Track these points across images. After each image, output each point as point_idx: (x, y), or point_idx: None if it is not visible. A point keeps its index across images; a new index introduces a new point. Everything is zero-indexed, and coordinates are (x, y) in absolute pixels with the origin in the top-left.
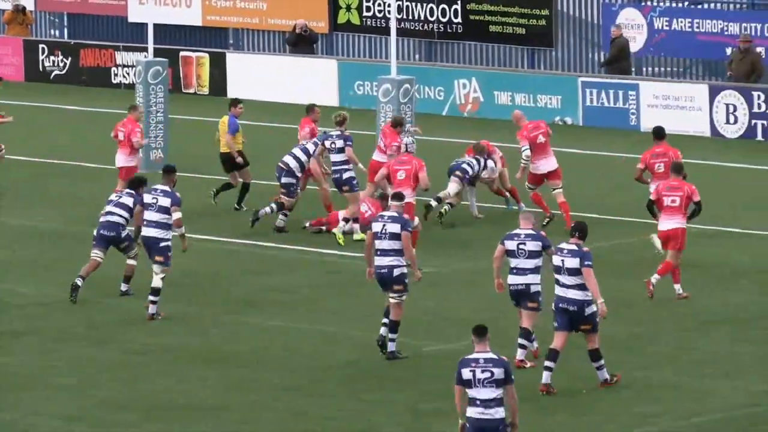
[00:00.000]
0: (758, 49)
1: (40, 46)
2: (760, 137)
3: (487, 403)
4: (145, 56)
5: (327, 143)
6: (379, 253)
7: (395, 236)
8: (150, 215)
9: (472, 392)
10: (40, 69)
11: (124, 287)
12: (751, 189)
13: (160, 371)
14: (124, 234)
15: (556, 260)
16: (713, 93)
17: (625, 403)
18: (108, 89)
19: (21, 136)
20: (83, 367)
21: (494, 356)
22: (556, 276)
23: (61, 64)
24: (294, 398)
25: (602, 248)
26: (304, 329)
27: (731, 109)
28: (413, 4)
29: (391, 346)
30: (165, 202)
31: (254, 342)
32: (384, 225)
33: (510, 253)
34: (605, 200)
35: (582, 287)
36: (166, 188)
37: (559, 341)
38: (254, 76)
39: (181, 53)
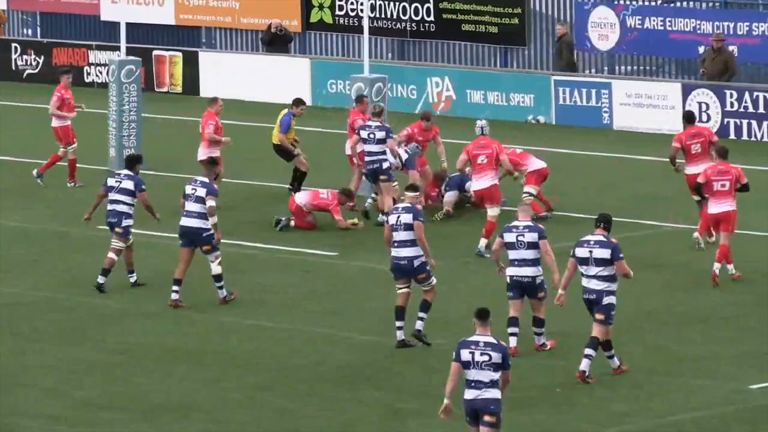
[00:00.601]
0: (731, 48)
1: (13, 45)
2: (732, 136)
3: (483, 385)
4: (118, 55)
5: (364, 133)
6: (396, 244)
7: (409, 227)
8: (190, 206)
9: (470, 374)
10: (13, 68)
11: (101, 279)
12: None
13: (141, 370)
14: (124, 223)
15: (582, 252)
16: (686, 91)
17: (601, 402)
18: (81, 88)
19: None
20: (64, 367)
21: (494, 341)
22: (581, 267)
23: (34, 63)
24: (274, 397)
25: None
26: (286, 329)
27: (704, 107)
28: (386, 2)
29: (418, 325)
30: (202, 192)
31: (235, 341)
32: (398, 216)
33: (509, 246)
34: (592, 200)
35: (605, 279)
36: (206, 179)
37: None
38: (227, 74)
39: (154, 52)
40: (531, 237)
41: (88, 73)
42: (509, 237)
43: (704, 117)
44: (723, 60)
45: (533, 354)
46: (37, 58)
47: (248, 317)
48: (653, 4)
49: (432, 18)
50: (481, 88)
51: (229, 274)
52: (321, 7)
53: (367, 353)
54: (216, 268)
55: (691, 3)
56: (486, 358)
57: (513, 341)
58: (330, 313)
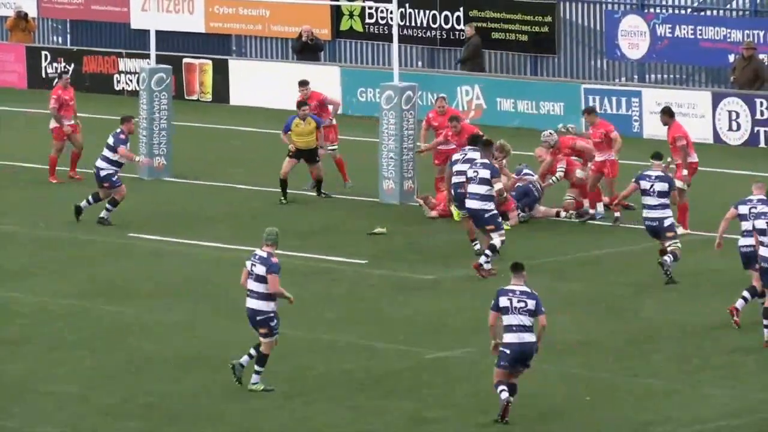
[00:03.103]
0: (761, 56)
1: (43, 52)
2: (762, 144)
3: (523, 329)
4: (148, 63)
5: None
6: (646, 207)
7: (663, 194)
8: (473, 188)
9: (508, 318)
10: (43, 76)
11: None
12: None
13: (161, 378)
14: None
15: (744, 208)
16: (716, 100)
17: (626, 411)
18: (111, 96)
19: (23, 144)
20: (87, 374)
21: (527, 290)
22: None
23: (64, 71)
24: (296, 405)
25: (596, 256)
26: (309, 337)
27: (734, 116)
28: (416, 11)
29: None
30: (485, 174)
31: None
32: (652, 184)
33: (742, 217)
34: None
35: None
36: (486, 161)
37: None
38: (257, 82)
39: (184, 60)
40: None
41: (118, 81)
42: (743, 209)
43: (734, 126)
44: (753, 68)
45: (559, 361)
46: (67, 66)
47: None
48: (683, 12)
49: (462, 26)
50: (510, 96)
51: None
52: (351, 15)
53: (391, 362)
54: (497, 240)
55: (722, 11)
56: (522, 304)
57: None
58: (354, 322)
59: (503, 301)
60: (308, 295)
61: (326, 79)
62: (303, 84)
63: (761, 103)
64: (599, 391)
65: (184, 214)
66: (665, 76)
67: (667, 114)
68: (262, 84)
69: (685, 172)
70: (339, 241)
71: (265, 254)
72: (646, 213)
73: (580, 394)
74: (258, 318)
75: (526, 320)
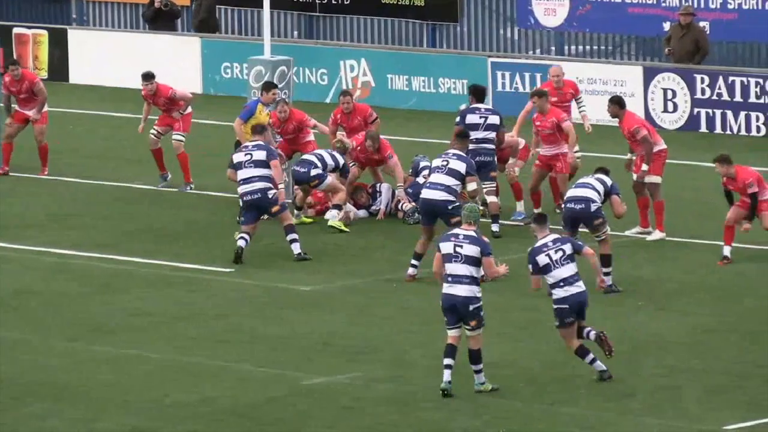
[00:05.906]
0: (701, 24)
1: None
2: (704, 128)
3: (572, 279)
4: None
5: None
6: (574, 186)
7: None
8: (438, 178)
9: (555, 274)
10: None
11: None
12: (691, 189)
13: None
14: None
15: None
16: (648, 76)
17: None
18: None
19: None
20: None
21: (559, 235)
22: None
23: None
24: None
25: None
26: (167, 359)
27: (669, 95)
28: None
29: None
30: (459, 166)
31: (106, 374)
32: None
33: None
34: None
35: None
36: (461, 153)
37: None
38: (101, 56)
39: (15, 30)
40: None
41: None
42: None
43: (670, 106)
44: (693, 38)
45: (468, 387)
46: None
47: (123, 346)
48: None
49: None
50: (404, 72)
51: (100, 294)
52: None
53: (262, 389)
54: None
55: None
56: (561, 253)
57: None
58: (218, 341)
59: (542, 259)
60: (164, 308)
61: (184, 52)
62: (147, 78)
63: (702, 80)
64: (513, 422)
65: (13, 215)
66: (588, 47)
67: (617, 104)
68: (108, 58)
69: (645, 167)
70: (199, 246)
71: (472, 233)
72: (571, 192)
73: (494, 425)
74: (471, 307)
75: (571, 270)
